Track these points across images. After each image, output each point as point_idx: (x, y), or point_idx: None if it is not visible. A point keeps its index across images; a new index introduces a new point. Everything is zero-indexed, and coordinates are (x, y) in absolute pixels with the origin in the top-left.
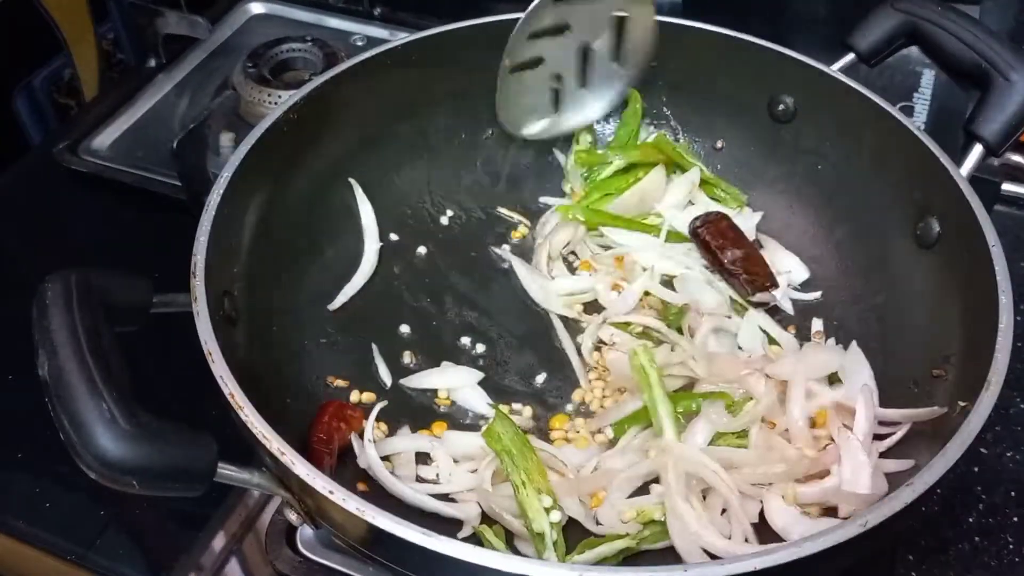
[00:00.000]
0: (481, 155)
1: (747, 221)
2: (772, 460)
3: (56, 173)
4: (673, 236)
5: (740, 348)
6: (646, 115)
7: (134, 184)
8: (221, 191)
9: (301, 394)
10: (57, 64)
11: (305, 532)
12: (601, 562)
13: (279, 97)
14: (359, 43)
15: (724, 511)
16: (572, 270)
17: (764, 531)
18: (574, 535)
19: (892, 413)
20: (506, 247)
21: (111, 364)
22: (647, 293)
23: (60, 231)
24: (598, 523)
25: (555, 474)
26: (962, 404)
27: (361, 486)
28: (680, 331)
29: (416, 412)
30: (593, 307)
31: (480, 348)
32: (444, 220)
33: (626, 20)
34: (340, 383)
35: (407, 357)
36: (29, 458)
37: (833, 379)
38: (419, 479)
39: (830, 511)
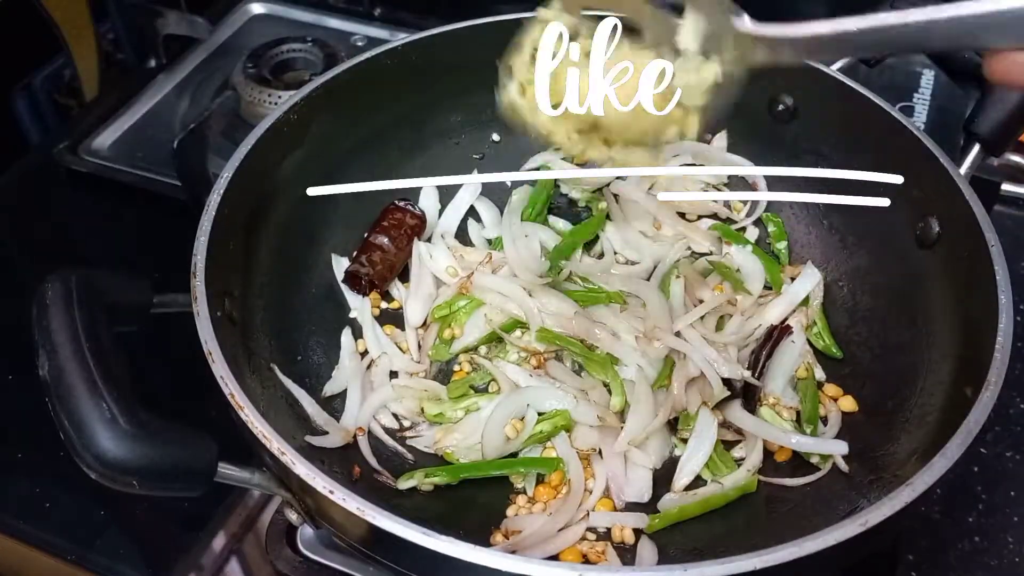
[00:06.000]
0: (480, 155)
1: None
2: None
3: (56, 173)
4: None
5: None
6: None
7: (134, 184)
8: (221, 191)
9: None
10: (57, 64)
11: (305, 532)
12: None
13: (279, 97)
14: (359, 43)
15: None
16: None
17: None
18: None
19: None
20: None
21: (111, 364)
22: None
23: (60, 231)
24: None
25: None
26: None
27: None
28: None
29: None
30: None
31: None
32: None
33: None
34: None
35: None
36: (29, 458)
37: None
38: None
39: None
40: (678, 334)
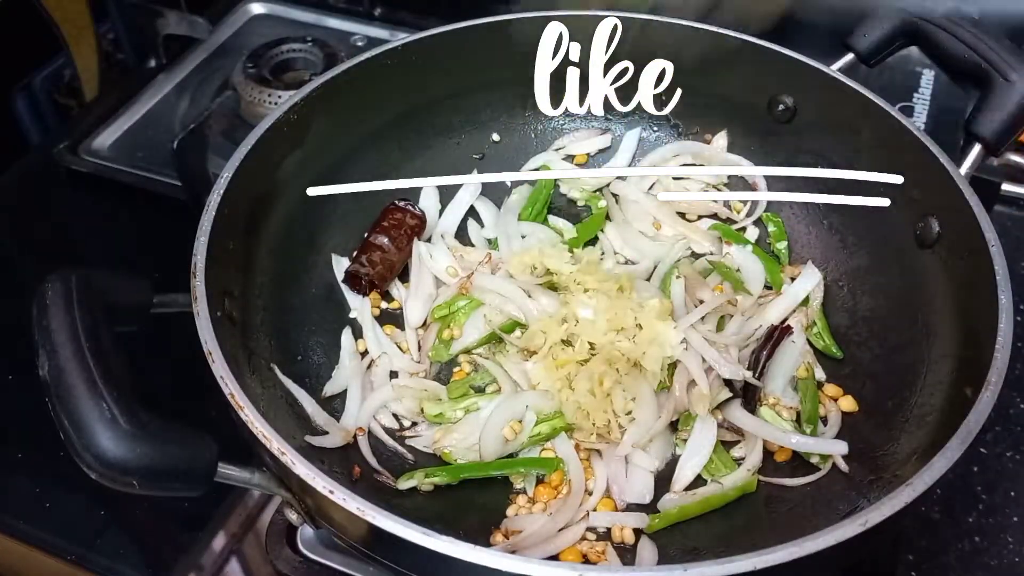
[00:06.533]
0: (480, 155)
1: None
2: None
3: (56, 173)
4: None
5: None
6: (645, 116)
7: (134, 184)
8: (221, 191)
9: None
10: (57, 64)
11: (305, 532)
12: None
13: (279, 97)
14: (359, 43)
15: None
16: None
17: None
18: None
19: None
20: None
21: (111, 364)
22: None
23: (60, 231)
24: None
25: None
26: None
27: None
28: None
29: None
30: None
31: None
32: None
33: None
34: None
35: None
36: (29, 458)
37: None
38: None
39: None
40: None
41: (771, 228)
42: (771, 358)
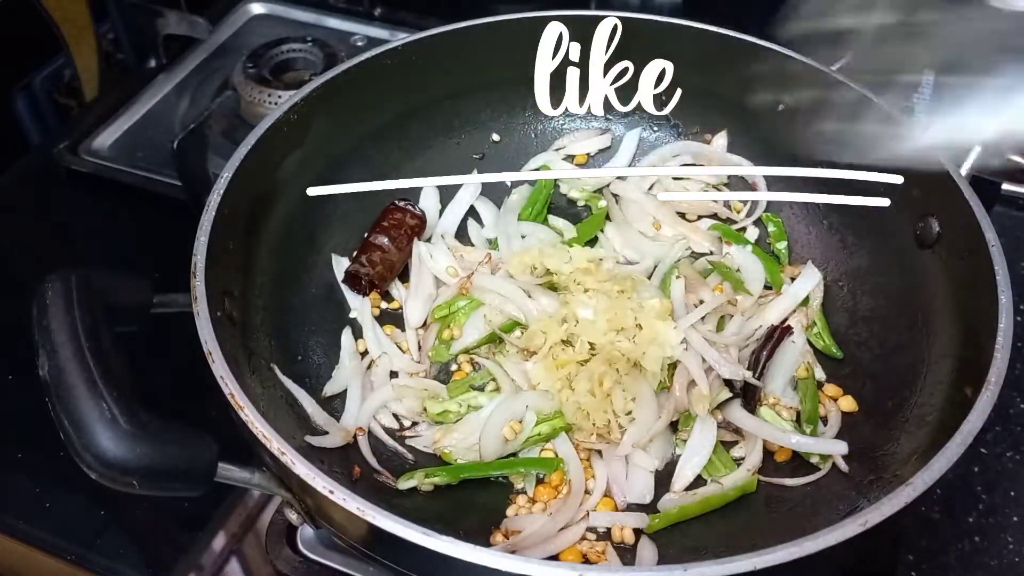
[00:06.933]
0: (480, 155)
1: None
2: None
3: (56, 173)
4: None
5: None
6: (645, 116)
7: (134, 184)
8: (221, 191)
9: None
10: (57, 64)
11: (305, 532)
12: None
13: (279, 97)
14: (359, 43)
15: None
16: None
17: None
18: None
19: None
20: None
21: (111, 364)
22: None
23: (60, 231)
24: None
25: None
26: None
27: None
28: None
29: None
30: None
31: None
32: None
33: None
34: None
35: None
36: (29, 458)
37: None
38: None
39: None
40: None
41: (771, 228)
42: (771, 358)
